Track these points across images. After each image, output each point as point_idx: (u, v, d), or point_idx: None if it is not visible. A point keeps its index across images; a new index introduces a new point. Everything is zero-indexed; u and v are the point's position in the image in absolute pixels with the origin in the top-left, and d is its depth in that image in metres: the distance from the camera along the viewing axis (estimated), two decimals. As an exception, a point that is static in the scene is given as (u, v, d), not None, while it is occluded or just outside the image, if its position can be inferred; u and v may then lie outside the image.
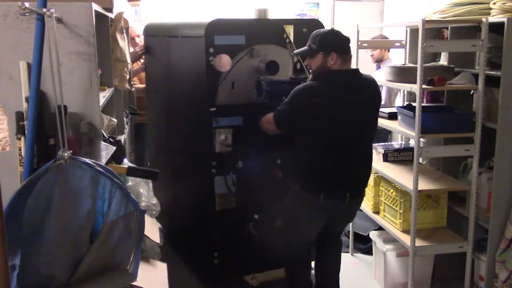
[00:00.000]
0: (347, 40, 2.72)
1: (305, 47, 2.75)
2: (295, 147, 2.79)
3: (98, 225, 1.92)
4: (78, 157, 1.86)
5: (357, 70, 2.83)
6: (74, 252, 1.87)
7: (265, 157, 3.20)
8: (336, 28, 2.91)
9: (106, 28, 2.86)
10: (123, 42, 3.04)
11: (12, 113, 2.01)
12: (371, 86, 2.78)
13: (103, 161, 2.10)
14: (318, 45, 2.67)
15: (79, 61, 2.08)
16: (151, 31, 4.02)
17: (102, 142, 2.16)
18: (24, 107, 1.97)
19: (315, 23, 3.25)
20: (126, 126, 3.56)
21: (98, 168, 1.86)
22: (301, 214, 2.82)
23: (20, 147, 1.97)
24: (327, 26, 3.19)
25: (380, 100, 2.88)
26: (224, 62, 2.96)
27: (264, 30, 3.15)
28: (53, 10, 1.85)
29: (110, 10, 2.83)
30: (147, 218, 2.72)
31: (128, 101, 4.00)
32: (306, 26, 3.21)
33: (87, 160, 1.86)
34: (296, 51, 2.95)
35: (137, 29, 4.63)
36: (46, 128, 1.97)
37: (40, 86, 1.90)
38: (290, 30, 3.19)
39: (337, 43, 2.68)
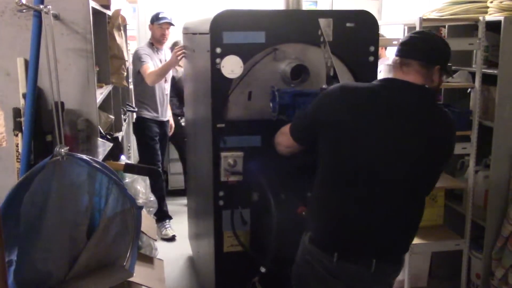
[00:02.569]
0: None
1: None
2: (315, 177, 2.00)
3: (95, 221, 1.93)
4: (75, 153, 1.86)
5: (423, 88, 1.87)
6: (71, 248, 1.87)
7: (289, 188, 2.39)
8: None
9: (103, 25, 2.86)
10: (120, 39, 3.04)
11: (9, 109, 2.01)
12: (441, 119, 1.89)
13: (100, 158, 2.10)
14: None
15: (76, 57, 2.09)
16: (185, 29, 3.51)
17: (99, 139, 2.16)
18: (21, 104, 1.97)
19: (364, 16, 2.45)
20: (123, 123, 3.57)
21: (95, 165, 1.87)
22: (309, 278, 1.99)
23: (17, 144, 1.98)
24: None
25: (452, 144, 1.93)
26: (233, 65, 2.32)
27: (291, 25, 2.39)
28: (50, 6, 1.86)
29: (107, 7, 2.83)
30: (145, 215, 2.73)
31: (126, 98, 4.01)
32: (351, 20, 2.42)
33: (84, 157, 1.86)
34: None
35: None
36: (43, 125, 1.98)
37: (37, 82, 1.90)
38: (327, 25, 2.40)
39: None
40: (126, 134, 4.07)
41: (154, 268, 2.40)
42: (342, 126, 1.83)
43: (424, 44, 1.87)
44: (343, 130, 1.83)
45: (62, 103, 1.95)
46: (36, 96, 1.91)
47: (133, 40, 5.23)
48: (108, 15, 2.93)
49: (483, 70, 2.99)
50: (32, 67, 1.87)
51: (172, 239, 4.33)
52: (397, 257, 1.98)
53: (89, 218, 1.91)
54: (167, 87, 4.43)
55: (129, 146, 4.42)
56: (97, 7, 2.52)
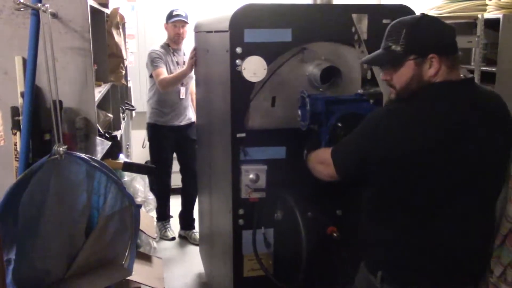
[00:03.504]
0: (451, 31, 1.65)
1: (380, 51, 1.71)
2: (366, 204, 1.76)
3: (94, 219, 1.93)
4: (73, 152, 1.87)
5: (471, 80, 1.74)
6: (70, 246, 1.88)
7: (317, 206, 2.13)
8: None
9: (102, 23, 2.86)
10: (119, 38, 3.04)
11: (8, 108, 2.01)
12: (497, 107, 1.67)
13: (99, 156, 2.10)
14: (406, 45, 1.61)
15: (75, 56, 2.08)
16: (198, 27, 3.19)
17: (98, 137, 2.16)
18: (20, 102, 1.97)
19: (402, 12, 2.06)
20: (122, 122, 3.57)
21: (93, 163, 1.87)
22: None
23: (16, 142, 1.98)
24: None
25: None
26: (255, 67, 2.02)
27: (321, 22, 2.10)
28: (48, 5, 1.85)
29: (105, 5, 2.83)
30: (143, 213, 2.73)
31: (125, 96, 4.01)
32: (388, 16, 2.09)
33: (82, 155, 1.86)
34: (365, 58, 1.85)
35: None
36: (41, 123, 1.98)
37: (35, 81, 1.90)
38: (362, 21, 2.14)
39: (438, 38, 1.62)
40: (125, 132, 4.07)
41: (153, 266, 2.40)
42: (411, 158, 1.57)
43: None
44: (412, 161, 1.57)
45: (60, 102, 1.95)
46: (34, 94, 1.91)
47: (131, 38, 5.22)
48: (107, 13, 2.93)
49: (481, 68, 2.99)
50: (30, 66, 1.87)
51: (172, 239, 4.27)
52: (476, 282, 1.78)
53: (87, 216, 1.91)
54: (183, 91, 4.03)
55: (128, 145, 4.42)
56: (95, 5, 2.52)
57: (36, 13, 1.84)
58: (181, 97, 4.05)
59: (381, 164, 1.61)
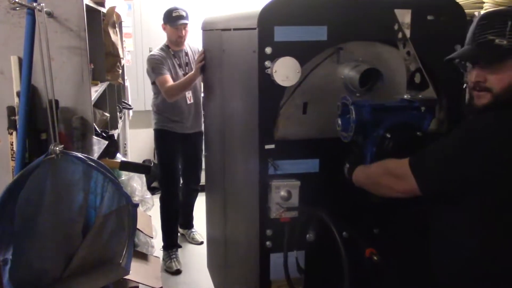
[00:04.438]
0: None
1: (471, 46, 1.49)
2: (452, 228, 1.52)
3: (91, 219, 1.93)
4: (70, 151, 1.86)
5: None
6: (67, 246, 1.87)
7: (354, 226, 1.89)
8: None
9: (98, 22, 2.85)
10: (115, 37, 3.03)
11: (4, 107, 2.00)
12: None
13: (95, 156, 2.10)
14: None
15: (71, 55, 2.08)
16: (208, 25, 2.93)
17: (94, 137, 2.15)
18: (16, 102, 1.97)
19: (450, 8, 1.95)
20: (119, 121, 3.56)
21: (90, 163, 1.87)
22: None
23: (12, 142, 1.97)
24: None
25: None
26: (288, 70, 1.78)
27: (359, 18, 1.87)
28: (43, 4, 1.85)
29: (102, 4, 2.82)
30: (141, 213, 2.73)
31: (122, 95, 4.01)
32: (434, 12, 1.92)
33: (79, 155, 1.86)
34: (454, 55, 1.59)
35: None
36: (37, 123, 1.97)
37: (31, 80, 1.89)
38: (405, 18, 1.91)
39: None
40: (122, 131, 4.07)
41: (150, 265, 2.40)
42: None
43: None
44: None
45: (57, 101, 1.94)
46: (30, 94, 1.90)
47: (128, 37, 5.22)
48: (103, 12, 2.92)
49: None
50: (26, 65, 1.86)
51: (176, 273, 3.74)
52: None
53: (84, 216, 1.91)
54: (189, 95, 3.71)
55: (125, 144, 4.41)
56: (91, 4, 2.52)
57: (31, 12, 1.83)
58: (188, 102, 3.72)
59: (491, 183, 1.37)
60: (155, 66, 3.53)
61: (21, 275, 1.74)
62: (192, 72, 3.37)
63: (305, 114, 1.89)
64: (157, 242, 3.13)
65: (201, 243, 4.13)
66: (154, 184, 5.45)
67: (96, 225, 1.91)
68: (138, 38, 5.38)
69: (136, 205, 2.00)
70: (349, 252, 1.70)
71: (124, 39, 4.19)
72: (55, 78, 1.94)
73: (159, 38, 4.05)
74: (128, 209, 1.96)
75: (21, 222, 1.75)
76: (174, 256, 3.82)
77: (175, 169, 3.85)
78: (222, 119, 2.58)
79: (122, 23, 3.88)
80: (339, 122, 1.80)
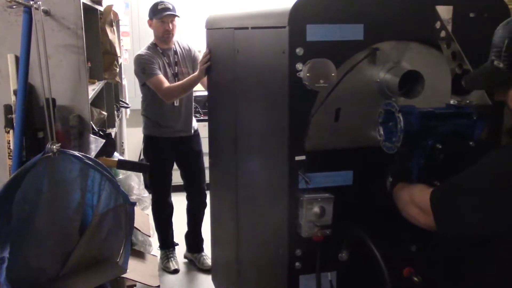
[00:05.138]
0: None
1: (489, 64, 1.34)
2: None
3: (88, 217, 1.93)
4: (67, 150, 1.86)
5: None
6: (64, 244, 1.87)
7: (391, 243, 1.69)
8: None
9: (95, 21, 2.85)
10: (113, 35, 3.03)
11: (0, 106, 2.00)
12: None
13: (92, 154, 2.10)
14: None
15: (68, 53, 2.07)
16: (214, 23, 2.69)
17: (91, 135, 2.15)
18: (13, 100, 1.97)
19: (493, 4, 1.79)
20: (116, 119, 3.56)
21: (87, 161, 1.86)
22: None
23: (9, 140, 1.97)
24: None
25: None
26: (322, 73, 1.60)
27: (398, 15, 1.71)
28: (40, 2, 1.84)
29: (99, 2, 2.82)
30: (138, 211, 2.73)
31: (119, 94, 4.00)
32: (476, 9, 1.76)
33: (76, 153, 1.86)
34: (471, 75, 1.49)
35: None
36: (34, 121, 1.97)
37: (28, 79, 1.89)
38: (446, 15, 1.73)
39: None
40: (119, 130, 4.06)
41: (147, 264, 2.40)
42: None
43: None
44: None
45: (54, 100, 1.94)
46: (27, 92, 1.90)
47: (126, 36, 5.21)
48: (100, 11, 2.92)
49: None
50: (23, 64, 1.86)
51: (173, 272, 3.65)
52: None
53: (81, 214, 1.91)
54: None
55: (122, 143, 4.41)
56: (88, 2, 2.51)
57: (28, 11, 1.83)
58: (175, 103, 3.44)
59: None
60: (145, 67, 3.29)
61: (18, 274, 1.74)
62: (196, 73, 3.15)
63: (337, 121, 1.72)
64: (155, 240, 3.13)
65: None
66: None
67: (93, 224, 1.91)
68: (136, 37, 5.37)
69: (134, 204, 2.00)
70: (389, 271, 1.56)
71: (121, 37, 4.18)
72: (52, 76, 1.93)
73: (157, 36, 4.05)
74: (125, 207, 1.95)
75: (18, 220, 1.74)
76: (171, 255, 3.74)
77: (165, 177, 3.61)
78: (234, 125, 2.36)
79: (120, 21, 3.87)
80: (381, 131, 1.61)
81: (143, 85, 3.44)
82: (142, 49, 3.45)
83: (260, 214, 2.09)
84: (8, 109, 1.98)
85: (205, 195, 3.63)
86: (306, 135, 1.70)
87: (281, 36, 1.68)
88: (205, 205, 3.67)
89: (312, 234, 1.68)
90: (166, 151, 3.53)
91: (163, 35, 3.38)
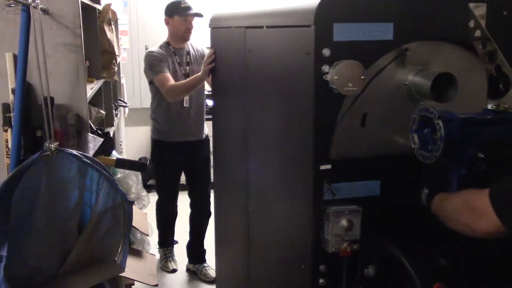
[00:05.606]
0: None
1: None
2: None
3: (86, 216, 1.93)
4: (65, 148, 1.86)
5: None
6: (62, 243, 1.87)
7: (419, 257, 1.56)
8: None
9: (93, 20, 2.85)
10: (111, 34, 3.03)
11: (-1, 105, 2.00)
12: None
13: (91, 153, 2.10)
14: None
15: (66, 52, 2.07)
16: (220, 22, 2.57)
17: (90, 134, 2.15)
18: (11, 99, 1.97)
19: None
20: (115, 118, 3.56)
21: (85, 160, 1.86)
22: None
23: (7, 139, 1.97)
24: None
25: None
26: (351, 76, 1.50)
27: (428, 14, 1.59)
28: (38, 1, 1.85)
29: (97, 1, 2.82)
30: (137, 210, 2.73)
31: (118, 93, 4.00)
32: (510, 7, 1.65)
33: (74, 152, 1.86)
34: None
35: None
36: (33, 120, 1.97)
37: (26, 77, 1.89)
38: (478, 13, 1.62)
39: None
40: (118, 129, 4.06)
41: (146, 263, 2.40)
42: None
43: None
44: None
45: (52, 98, 1.94)
46: (26, 91, 1.90)
47: (124, 35, 5.21)
48: (98, 9, 2.92)
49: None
50: (21, 62, 1.86)
51: (172, 272, 3.66)
52: None
53: (80, 213, 1.91)
54: (186, 97, 3.33)
55: (120, 142, 4.41)
56: (87, 1, 2.51)
57: (26, 9, 1.83)
58: (184, 105, 3.32)
59: None
60: (153, 64, 3.21)
61: (16, 272, 1.74)
62: (199, 74, 2.99)
63: (364, 127, 1.59)
64: (153, 239, 3.12)
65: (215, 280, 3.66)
66: (150, 182, 5.45)
67: (91, 223, 1.91)
68: (134, 36, 5.38)
69: (132, 203, 2.00)
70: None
71: (120, 36, 4.19)
72: (50, 75, 1.93)
73: (155, 35, 4.02)
74: (123, 206, 1.96)
75: (16, 219, 1.74)
76: (170, 254, 3.71)
77: (172, 185, 3.52)
78: (244, 129, 2.21)
79: (118, 20, 3.87)
80: (415, 138, 1.49)
81: (150, 83, 3.34)
82: (154, 47, 3.36)
83: (277, 226, 1.96)
84: (6, 107, 1.98)
85: (210, 203, 3.55)
86: (331, 142, 1.57)
87: (304, 36, 1.55)
88: (209, 214, 3.59)
89: (339, 249, 1.56)
90: (174, 157, 3.40)
91: (184, 34, 3.29)
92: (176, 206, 3.65)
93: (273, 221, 2.00)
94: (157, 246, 3.74)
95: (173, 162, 3.42)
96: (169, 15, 3.27)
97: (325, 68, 1.50)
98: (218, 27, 2.57)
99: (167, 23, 3.32)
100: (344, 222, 1.54)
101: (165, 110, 3.33)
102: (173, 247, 3.77)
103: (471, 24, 1.59)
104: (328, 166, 1.58)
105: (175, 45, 3.33)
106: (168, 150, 3.38)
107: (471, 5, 1.59)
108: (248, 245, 2.27)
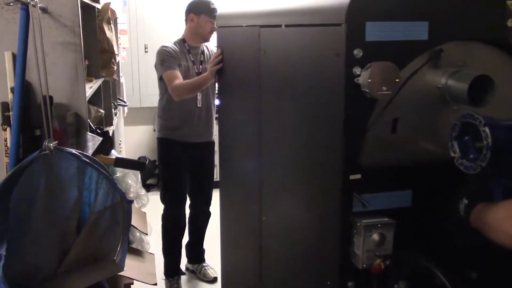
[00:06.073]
0: None
1: None
2: None
3: (85, 215, 1.92)
4: (64, 147, 1.86)
5: None
6: (61, 242, 1.87)
7: (450, 270, 1.48)
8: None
9: (93, 19, 2.85)
10: (110, 33, 3.03)
11: (-2, 103, 2.00)
12: None
13: (90, 152, 2.10)
14: None
15: (65, 51, 2.07)
16: (229, 20, 2.45)
17: (89, 133, 2.15)
18: (10, 98, 1.96)
19: None
20: (114, 117, 3.56)
21: (84, 159, 1.86)
22: None
23: (6, 138, 1.97)
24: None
25: None
26: (386, 78, 1.39)
27: (464, 12, 1.49)
28: (37, 0, 1.84)
29: (97, 0, 2.82)
30: (135, 209, 2.73)
31: (117, 92, 4.00)
32: None
33: (73, 151, 1.86)
34: None
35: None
36: (32, 119, 1.97)
37: (25, 76, 1.89)
38: None
39: None
40: (117, 128, 4.06)
41: (145, 262, 2.40)
42: None
43: None
44: None
45: (51, 97, 1.94)
46: (25, 90, 1.90)
47: (124, 34, 5.21)
48: (98, 8, 2.92)
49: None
50: (20, 61, 1.86)
51: None
52: None
53: (78, 212, 1.90)
54: (199, 97, 3.21)
55: (120, 141, 4.41)
56: (86, 0, 2.51)
57: (25, 8, 1.83)
58: (198, 105, 3.22)
59: None
60: (165, 58, 3.08)
61: (15, 271, 1.74)
62: (205, 74, 2.92)
63: (395, 133, 1.49)
64: (152, 239, 3.10)
65: (214, 279, 3.55)
66: (149, 181, 5.45)
67: (90, 222, 1.91)
68: (133, 35, 5.37)
69: (131, 202, 2.00)
70: None
71: (119, 35, 4.18)
72: (49, 74, 1.93)
73: (155, 34, 4.01)
74: (122, 205, 1.95)
75: (15, 218, 1.74)
76: (176, 285, 3.44)
77: (180, 186, 3.34)
78: (258, 134, 2.09)
79: (117, 19, 3.87)
80: (455, 146, 1.39)
81: (160, 79, 3.18)
82: (169, 42, 3.22)
83: (297, 239, 1.82)
84: (5, 106, 1.98)
85: (210, 203, 3.51)
86: (361, 150, 1.46)
87: (334, 36, 1.44)
88: (209, 215, 3.53)
89: (370, 264, 1.46)
90: (182, 157, 3.28)
91: (208, 35, 3.19)
92: (184, 215, 3.44)
93: (292, 233, 1.86)
94: (163, 278, 3.45)
95: (182, 162, 3.30)
96: (197, 13, 3.15)
97: (357, 70, 1.40)
98: (226, 26, 2.45)
99: (191, 20, 3.18)
100: (376, 236, 1.44)
101: (178, 109, 3.19)
102: (180, 277, 3.50)
103: (510, 23, 1.50)
104: (358, 176, 1.47)
105: (192, 43, 3.21)
106: (177, 149, 3.26)
107: (509, 2, 1.50)
108: (261, 257, 2.15)
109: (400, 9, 1.44)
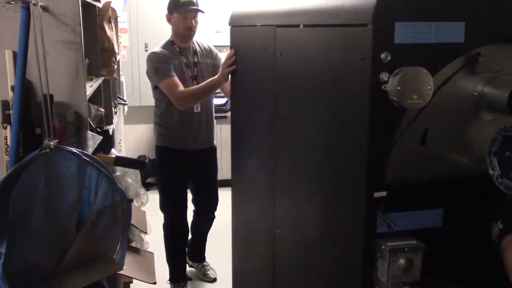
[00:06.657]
0: None
1: None
2: None
3: (85, 214, 1.92)
4: (64, 146, 1.86)
5: None
6: (61, 241, 1.87)
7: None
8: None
9: (93, 17, 2.85)
10: (111, 32, 3.03)
11: (-2, 102, 2.00)
12: None
13: (90, 151, 2.10)
14: None
15: (65, 50, 2.07)
16: (243, 20, 2.31)
17: (89, 132, 2.16)
18: (10, 96, 1.96)
19: None
20: (114, 116, 3.56)
21: (84, 158, 1.86)
22: None
23: (6, 136, 1.97)
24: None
25: None
26: (420, 86, 1.25)
27: (502, 12, 1.35)
28: (38, -2, 1.85)
29: (97, -1, 2.82)
30: (135, 208, 2.73)
31: (117, 91, 4.00)
32: None
33: (73, 149, 1.86)
34: None
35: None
36: (32, 117, 1.97)
37: (26, 75, 1.89)
38: None
39: None
40: (117, 127, 4.06)
41: (144, 260, 2.40)
42: None
43: None
44: None
45: (51, 96, 1.94)
46: (25, 88, 1.90)
47: (124, 33, 5.21)
48: (98, 7, 2.92)
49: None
50: (21, 60, 1.86)
51: None
52: None
53: (78, 211, 1.90)
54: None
55: (120, 140, 4.41)
56: (87, -1, 2.51)
57: (26, 7, 1.83)
58: (195, 110, 3.06)
59: None
60: (159, 66, 2.91)
61: (15, 269, 1.74)
62: (216, 77, 2.77)
63: (424, 145, 1.33)
64: (151, 238, 3.10)
65: (214, 280, 3.55)
66: (149, 180, 5.45)
67: (90, 220, 1.91)
68: (134, 34, 5.37)
69: (131, 201, 2.00)
70: None
71: (119, 34, 4.18)
72: (50, 72, 1.93)
73: (155, 33, 4.01)
74: (122, 204, 1.95)
75: (15, 216, 1.74)
76: None
77: (181, 195, 3.23)
78: (272, 140, 1.97)
79: (118, 18, 3.87)
80: (495, 162, 1.25)
81: (155, 88, 3.03)
82: (157, 47, 3.06)
83: (313, 259, 1.68)
84: (5, 105, 1.98)
85: (215, 209, 3.42)
86: (387, 164, 1.32)
87: (358, 37, 1.31)
88: (212, 219, 3.47)
89: None
90: (182, 166, 3.15)
91: (184, 32, 2.99)
92: (186, 222, 3.36)
93: (307, 255, 1.72)
94: (168, 282, 3.42)
95: (181, 171, 3.18)
96: (170, 12, 3.03)
97: (384, 76, 1.26)
98: (239, 25, 2.30)
99: (168, 20, 3.06)
100: (402, 261, 1.29)
101: (176, 116, 3.04)
102: (186, 284, 3.42)
103: None
104: (384, 193, 1.33)
105: (180, 44, 3.05)
106: (176, 158, 3.13)
107: None
108: (274, 277, 1.98)
109: (434, 8, 1.29)
